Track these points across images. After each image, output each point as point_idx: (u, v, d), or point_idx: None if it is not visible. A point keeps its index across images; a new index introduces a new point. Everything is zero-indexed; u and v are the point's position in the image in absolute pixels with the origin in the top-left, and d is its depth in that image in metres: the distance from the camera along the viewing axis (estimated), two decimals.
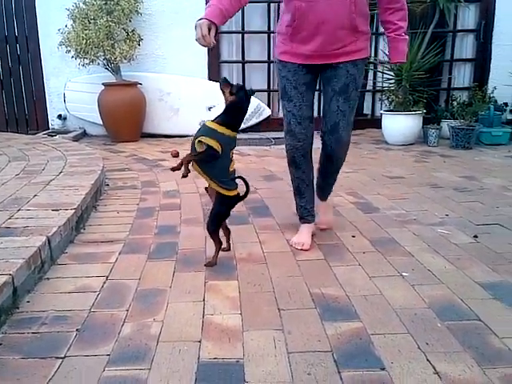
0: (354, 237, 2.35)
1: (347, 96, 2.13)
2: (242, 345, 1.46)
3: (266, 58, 5.84)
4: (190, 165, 1.91)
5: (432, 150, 4.62)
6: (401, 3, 2.12)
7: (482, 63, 5.49)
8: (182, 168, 1.91)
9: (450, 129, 4.61)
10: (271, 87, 5.94)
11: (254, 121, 5.78)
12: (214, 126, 1.90)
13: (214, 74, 5.78)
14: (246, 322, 1.59)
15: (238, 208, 2.82)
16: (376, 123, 5.41)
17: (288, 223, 2.54)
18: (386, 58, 5.07)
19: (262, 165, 4.08)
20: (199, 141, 1.88)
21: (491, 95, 4.92)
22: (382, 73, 5.34)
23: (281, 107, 2.31)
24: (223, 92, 1.94)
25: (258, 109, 5.81)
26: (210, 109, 5.69)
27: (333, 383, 1.29)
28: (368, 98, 6.03)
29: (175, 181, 3.47)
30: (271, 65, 5.86)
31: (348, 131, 2.20)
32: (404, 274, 1.93)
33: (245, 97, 1.94)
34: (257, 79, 5.96)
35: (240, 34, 5.76)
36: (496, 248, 2.16)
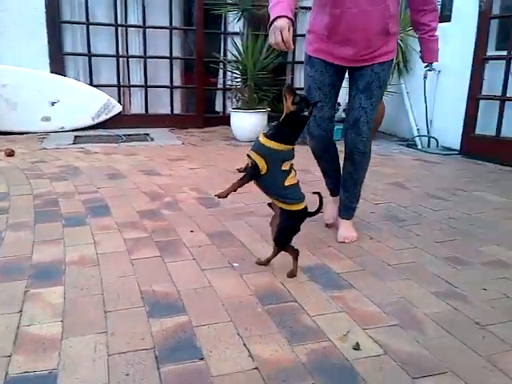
0: (192, 232, 2.38)
1: (370, 93, 2.15)
2: (59, 354, 1.38)
3: (114, 52, 5.60)
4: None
5: None
6: (433, 4, 2.16)
7: None
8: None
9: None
10: (121, 82, 5.73)
11: (103, 117, 5.51)
12: (264, 140, 1.76)
13: (57, 66, 5.37)
14: (67, 329, 1.51)
15: (75, 209, 2.70)
16: (227, 121, 5.56)
17: (127, 222, 2.48)
18: (233, 57, 5.25)
19: (108, 163, 3.91)
20: (248, 155, 1.79)
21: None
22: (232, 72, 5.50)
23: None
24: (285, 99, 1.76)
25: (107, 105, 5.55)
26: (53, 104, 5.30)
27: (151, 380, 1.28)
28: (219, 96, 6.18)
29: (6, 183, 3.16)
30: (120, 59, 5.65)
31: (368, 127, 2.21)
32: (235, 264, 2.01)
33: (306, 107, 1.76)
34: (105, 74, 5.69)
35: (85, 26, 5.43)
36: (319, 234, 2.37)
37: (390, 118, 5.49)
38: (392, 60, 2.19)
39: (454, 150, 4.60)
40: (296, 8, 2.01)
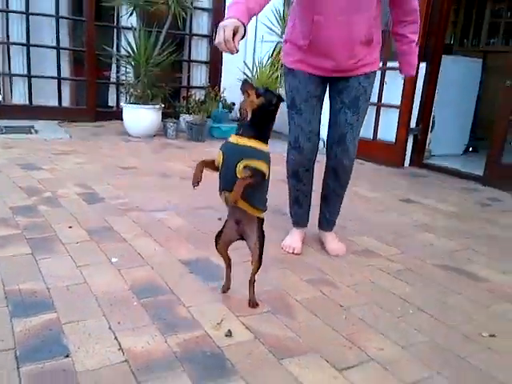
0: (70, 227, 2.27)
1: (356, 109, 2.04)
2: None
3: None
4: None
5: (170, 142, 4.86)
6: (414, 16, 2.05)
7: (215, 66, 6.03)
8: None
9: (186, 123, 4.93)
10: (1, 70, 5.27)
11: None
12: (253, 143, 1.53)
13: None
14: None
15: None
16: (120, 115, 5.37)
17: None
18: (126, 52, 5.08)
19: None
20: (246, 166, 1.50)
21: (222, 95, 5.47)
22: (125, 67, 5.32)
23: (287, 119, 2.12)
24: (247, 94, 1.54)
25: None
26: None
27: (10, 382, 1.21)
28: (113, 90, 5.95)
29: None
30: (3, 46, 5.20)
31: (354, 144, 2.10)
32: (113, 259, 1.95)
33: (275, 99, 1.57)
34: None
35: None
36: (203, 228, 2.39)
37: (281, 120, 5.70)
38: (375, 71, 2.09)
39: None
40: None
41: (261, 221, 1.65)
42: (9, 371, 1.24)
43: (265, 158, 1.56)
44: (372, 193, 3.40)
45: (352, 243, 2.36)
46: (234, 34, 1.56)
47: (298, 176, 2.18)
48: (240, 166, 1.50)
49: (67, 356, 1.31)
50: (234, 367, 1.32)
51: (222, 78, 6.01)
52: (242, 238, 1.68)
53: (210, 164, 1.60)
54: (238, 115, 1.61)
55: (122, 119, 5.10)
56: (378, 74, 4.35)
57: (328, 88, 2.12)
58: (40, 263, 1.87)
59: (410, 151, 4.39)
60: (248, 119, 1.55)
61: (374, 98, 4.46)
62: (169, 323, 1.52)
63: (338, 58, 1.95)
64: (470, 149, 5.17)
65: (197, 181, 1.55)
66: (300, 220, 2.30)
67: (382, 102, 4.41)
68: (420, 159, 4.41)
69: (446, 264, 2.18)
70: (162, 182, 3.25)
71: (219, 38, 1.56)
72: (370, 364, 1.39)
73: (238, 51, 1.58)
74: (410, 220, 2.82)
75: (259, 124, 1.56)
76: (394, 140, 4.32)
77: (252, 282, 1.68)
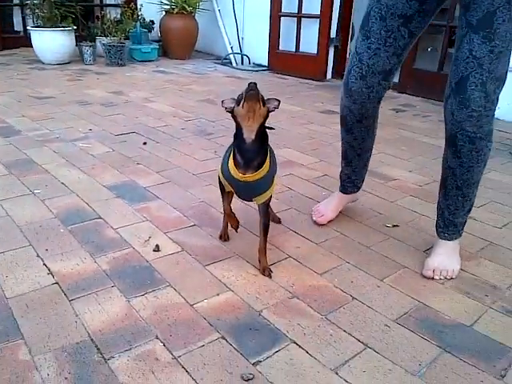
0: None
1: (490, 32, 1.25)
2: None
3: None
4: None
5: (88, 68, 4.60)
6: None
7: None
8: None
9: (103, 46, 4.65)
10: None
11: None
12: (262, 172, 1.33)
13: None
14: None
15: None
16: (30, 41, 4.96)
17: None
18: None
19: None
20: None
21: (139, 13, 5.15)
22: None
23: None
24: (258, 104, 1.25)
25: None
26: None
27: None
28: (17, 13, 5.42)
29: None
30: None
31: (486, 91, 1.30)
32: (36, 191, 1.94)
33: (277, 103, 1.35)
34: None
35: None
36: (128, 153, 2.39)
37: (206, 37, 5.52)
38: None
39: (264, 66, 4.88)
40: None
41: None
42: None
43: (272, 177, 1.41)
44: (294, 107, 3.48)
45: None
46: None
47: (347, 125, 1.64)
48: (256, 200, 1.42)
49: None
50: (162, 277, 1.42)
51: None
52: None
53: (229, 197, 1.50)
54: (243, 127, 1.29)
55: (31, 45, 4.72)
56: None
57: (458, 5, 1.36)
58: None
59: (331, 63, 4.45)
60: (254, 136, 1.30)
61: (294, 9, 4.41)
62: (97, 245, 1.58)
63: None
64: None
65: (237, 224, 1.54)
66: (344, 181, 1.80)
67: (302, 12, 4.36)
68: (342, 71, 4.50)
69: None
70: (81, 111, 3.13)
71: None
72: (287, 260, 1.54)
73: None
74: (329, 130, 2.95)
75: (263, 141, 1.33)
76: (315, 52, 4.35)
77: (263, 251, 1.47)
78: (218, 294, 1.35)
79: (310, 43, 4.38)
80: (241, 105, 1.26)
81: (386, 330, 1.24)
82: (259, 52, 4.91)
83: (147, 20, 5.20)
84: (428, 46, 4.83)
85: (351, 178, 1.78)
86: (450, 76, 1.37)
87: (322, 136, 2.83)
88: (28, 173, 2.11)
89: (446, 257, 1.50)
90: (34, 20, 4.65)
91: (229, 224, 1.60)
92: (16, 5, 5.37)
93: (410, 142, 2.79)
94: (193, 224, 1.75)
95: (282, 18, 4.55)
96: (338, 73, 4.45)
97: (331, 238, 1.69)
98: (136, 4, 5.35)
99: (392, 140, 2.80)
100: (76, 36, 4.73)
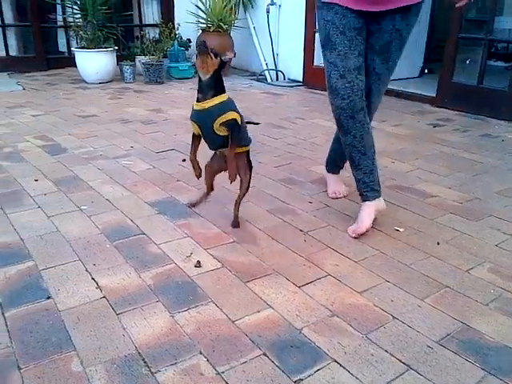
0: (36, 181, 2.30)
1: (387, 56, 1.79)
2: None
3: None
4: None
5: (128, 86, 4.77)
6: None
7: (166, 1, 5.79)
8: None
9: (142, 65, 4.82)
10: None
11: None
12: (217, 99, 1.67)
13: None
14: None
15: None
16: (74, 61, 5.19)
17: None
18: None
19: None
20: (223, 123, 1.67)
21: (177, 32, 5.31)
22: (71, 7, 5.06)
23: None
24: (208, 57, 1.64)
25: None
26: None
27: None
28: (62, 34, 5.69)
29: None
30: None
31: (380, 99, 1.92)
32: (83, 207, 2.03)
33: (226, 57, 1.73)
34: None
35: None
36: (168, 170, 2.47)
37: (242, 53, 5.62)
38: (418, 6, 1.78)
39: (298, 81, 4.93)
40: None
41: (247, 153, 1.87)
42: None
43: (231, 106, 1.71)
44: (330, 122, 3.47)
45: (311, 172, 2.49)
46: None
47: (343, 125, 1.84)
48: (216, 125, 1.67)
49: (48, 298, 1.42)
50: (204, 293, 1.46)
51: (175, 14, 5.82)
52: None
53: (195, 142, 1.77)
54: (199, 76, 1.68)
55: (75, 65, 4.94)
56: None
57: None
58: (10, 217, 1.93)
59: None
60: (208, 77, 1.67)
61: None
62: (141, 260, 1.63)
63: None
64: (426, 70, 5.27)
65: (198, 172, 1.82)
66: (363, 189, 1.90)
67: None
68: None
69: (398, 184, 2.34)
70: (123, 129, 3.25)
71: None
72: (326, 278, 1.55)
73: None
74: None
75: (217, 81, 1.69)
76: None
77: (238, 205, 1.90)
78: (258, 311, 1.38)
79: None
80: (197, 58, 1.68)
81: (428, 351, 1.23)
82: (294, 68, 4.97)
83: (184, 38, 5.36)
84: (466, 58, 4.77)
85: (367, 183, 1.89)
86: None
87: None
88: (75, 189, 2.21)
89: (370, 215, 1.84)
90: (78, 41, 4.87)
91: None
92: (61, 27, 5.64)
93: (448, 158, 2.75)
94: (232, 241, 1.78)
95: (316, 34, 4.59)
96: None
97: (370, 255, 1.69)
98: (174, 23, 5.52)
99: (430, 156, 2.78)
100: (117, 55, 4.92)
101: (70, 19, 5.17)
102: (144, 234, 1.82)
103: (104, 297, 1.43)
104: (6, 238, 1.76)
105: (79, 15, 4.81)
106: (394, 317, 1.36)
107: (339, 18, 1.75)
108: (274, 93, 4.60)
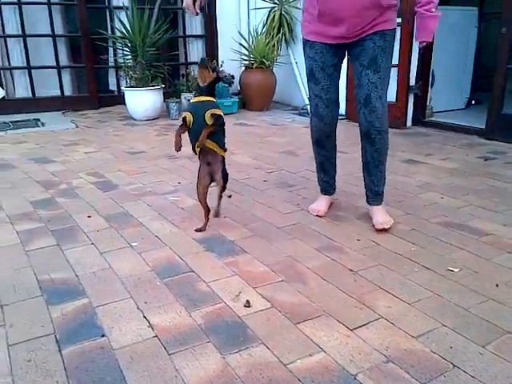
0: (89, 217, 2.39)
1: (376, 67, 2.06)
2: None
3: None
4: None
5: (174, 122, 4.92)
6: None
7: (210, 39, 6.02)
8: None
9: (187, 102, 4.98)
10: (0, 64, 5.33)
11: None
12: (210, 98, 2.12)
13: None
14: None
15: None
16: (123, 99, 5.44)
17: (20, 213, 2.42)
18: (120, 34, 5.08)
19: None
20: (212, 114, 2.07)
21: (221, 69, 5.47)
22: (122, 49, 5.34)
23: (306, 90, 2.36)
24: (203, 72, 2.12)
25: None
26: None
27: (54, 363, 1.34)
28: (112, 74, 5.99)
29: None
30: (0, 40, 5.24)
31: (382, 101, 2.10)
32: (133, 243, 2.08)
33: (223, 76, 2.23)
34: None
35: None
36: (214, 206, 2.50)
37: (284, 88, 5.73)
38: (393, 31, 2.07)
39: (341, 115, 4.93)
40: None
41: (223, 159, 2.22)
42: (52, 354, 1.37)
43: (219, 106, 2.15)
44: None
45: (357, 208, 2.46)
46: (195, 1, 2.19)
47: (321, 143, 2.34)
48: (208, 114, 2.06)
49: (103, 336, 1.45)
50: (254, 334, 1.45)
51: (219, 51, 6.01)
52: (213, 180, 2.25)
53: (183, 127, 2.12)
54: (198, 82, 2.14)
55: (124, 103, 5.16)
56: None
57: (347, 55, 2.19)
58: (66, 253, 2.00)
59: (411, 110, 4.41)
60: (205, 85, 2.13)
61: None
62: (191, 298, 1.65)
63: (347, 24, 2.00)
64: (473, 102, 5.17)
65: (179, 146, 2.12)
66: (326, 187, 2.46)
67: None
68: (422, 118, 4.44)
69: (449, 221, 2.27)
70: (170, 165, 3.34)
71: (184, 4, 2.22)
72: (379, 321, 1.50)
73: (197, 14, 2.27)
74: (413, 181, 2.89)
75: (211, 88, 2.15)
76: (394, 100, 4.35)
77: (220, 198, 2.32)
78: (310, 355, 1.35)
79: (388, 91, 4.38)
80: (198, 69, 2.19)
81: None
82: None
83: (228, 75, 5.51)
84: None
85: (329, 183, 2.46)
86: (359, 96, 2.12)
87: (406, 187, 2.78)
88: (126, 226, 2.28)
89: (382, 215, 2.22)
90: (128, 80, 5.10)
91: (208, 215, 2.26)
92: (111, 67, 5.94)
93: (502, 193, 2.66)
94: (280, 279, 1.77)
95: None
96: (418, 120, 4.40)
97: (424, 297, 1.63)
98: (218, 61, 5.70)
99: (482, 191, 2.69)
100: (163, 93, 5.11)
101: (121, 60, 5.45)
102: (193, 271, 1.84)
103: (156, 336, 1.45)
104: (62, 274, 1.83)
105: (130, 56, 5.05)
106: (454, 365, 1.29)
107: (319, 55, 2.14)
108: None
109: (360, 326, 1.47)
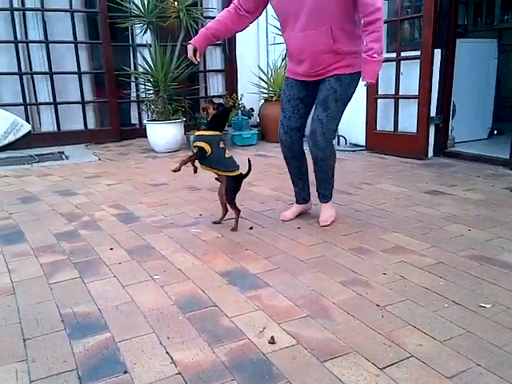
0: (111, 249, 2.39)
1: (326, 106, 2.40)
2: None
3: (16, 70, 5.37)
4: (198, 164, 2.58)
5: None
6: (375, 26, 2.21)
7: (230, 73, 6.14)
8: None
9: None
10: (28, 100, 5.51)
11: (11, 138, 5.29)
12: (202, 132, 2.51)
13: None
14: None
15: None
16: (144, 132, 5.55)
17: (44, 246, 2.44)
18: (143, 70, 5.23)
19: (20, 186, 3.77)
20: (194, 146, 2.51)
21: (240, 102, 5.57)
22: (144, 84, 5.48)
23: None
24: (208, 107, 2.53)
25: (14, 125, 5.34)
26: None
27: None
28: (134, 108, 6.13)
29: None
30: (24, 77, 5.43)
31: (325, 138, 2.45)
32: (155, 276, 2.06)
33: (223, 110, 2.56)
34: (9, 93, 5.44)
35: None
36: (235, 238, 2.49)
37: None
38: (352, 75, 2.36)
39: (361, 146, 4.94)
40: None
41: (229, 178, 2.57)
42: None
43: (204, 139, 2.48)
44: (397, 187, 3.43)
45: (382, 241, 2.41)
46: (196, 51, 2.55)
47: (288, 161, 2.75)
48: (221, 144, 2.53)
49: (125, 372, 1.42)
50: (279, 372, 1.40)
51: (239, 85, 6.12)
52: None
53: (198, 155, 2.53)
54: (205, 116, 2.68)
55: (146, 136, 5.26)
56: (392, 65, 4.37)
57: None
58: (89, 286, 2.00)
59: (432, 141, 4.38)
60: (209, 120, 2.55)
61: (391, 90, 4.49)
62: (214, 334, 1.61)
63: (307, 65, 2.41)
64: (495, 132, 5.12)
65: (195, 169, 2.61)
66: (296, 197, 2.85)
67: (400, 93, 4.42)
68: (444, 148, 4.40)
69: (478, 254, 2.21)
70: (191, 196, 3.36)
71: (187, 55, 2.59)
72: (410, 360, 1.44)
73: (199, 62, 2.66)
74: (438, 212, 2.84)
75: (215, 122, 2.53)
76: (415, 131, 4.33)
77: (224, 206, 2.72)
78: None
79: (408, 122, 4.38)
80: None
81: None
82: (356, 132, 5.00)
83: (247, 108, 5.59)
84: None
85: (298, 193, 2.84)
86: (309, 129, 2.49)
87: (430, 219, 2.73)
88: (148, 258, 2.27)
89: (327, 211, 2.71)
90: (149, 114, 5.21)
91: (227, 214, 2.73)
92: (133, 101, 6.09)
93: None
94: (305, 315, 1.73)
95: (378, 100, 4.64)
96: (439, 151, 4.36)
97: (456, 335, 1.57)
98: (237, 94, 5.81)
99: (510, 222, 2.62)
100: (184, 126, 5.20)
101: (143, 94, 5.59)
102: (216, 305, 1.81)
103: (179, 373, 1.41)
104: (84, 307, 1.81)
105: (151, 91, 5.17)
106: None
107: (288, 89, 2.56)
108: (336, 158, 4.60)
109: (390, 365, 1.41)
